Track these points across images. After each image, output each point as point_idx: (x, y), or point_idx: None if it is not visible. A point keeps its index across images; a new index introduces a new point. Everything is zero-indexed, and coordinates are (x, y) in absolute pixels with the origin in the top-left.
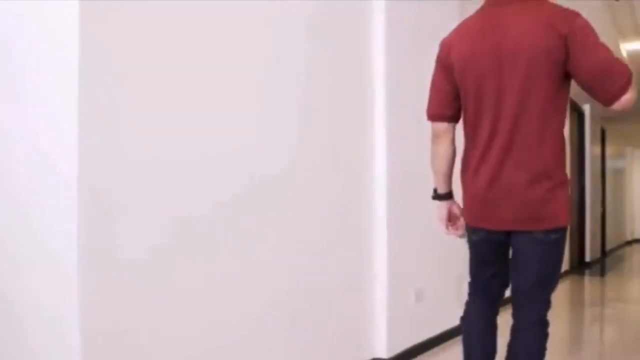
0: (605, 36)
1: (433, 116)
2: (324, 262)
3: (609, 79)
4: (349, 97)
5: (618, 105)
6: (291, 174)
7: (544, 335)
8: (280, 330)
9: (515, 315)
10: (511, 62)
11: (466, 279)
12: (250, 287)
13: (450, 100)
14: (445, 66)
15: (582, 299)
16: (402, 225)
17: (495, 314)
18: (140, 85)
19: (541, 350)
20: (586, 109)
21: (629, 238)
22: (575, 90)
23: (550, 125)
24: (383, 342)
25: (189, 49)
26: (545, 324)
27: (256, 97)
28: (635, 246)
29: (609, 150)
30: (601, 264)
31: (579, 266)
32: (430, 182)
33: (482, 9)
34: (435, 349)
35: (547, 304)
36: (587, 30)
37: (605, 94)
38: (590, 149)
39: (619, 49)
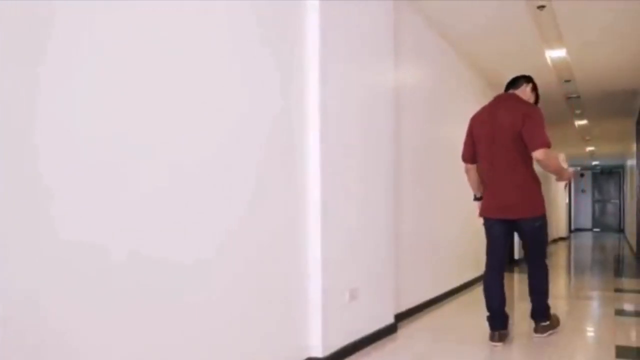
0: (530, 44)
1: (466, 159)
2: (257, 262)
3: (535, 139)
4: (282, 98)
5: (537, 154)
6: (225, 168)
7: (546, 271)
8: (215, 332)
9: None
10: (499, 132)
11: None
12: (179, 287)
13: (473, 151)
14: (470, 130)
15: (511, 295)
16: (336, 226)
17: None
18: None
19: (545, 279)
20: None
21: (555, 236)
22: None
23: (522, 162)
24: (318, 341)
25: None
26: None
27: (181, 99)
28: (560, 243)
29: None
30: None
31: (509, 263)
32: (363, 184)
33: (492, 100)
34: (368, 348)
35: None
36: (535, 115)
37: (531, 146)
38: None
39: (544, 57)
